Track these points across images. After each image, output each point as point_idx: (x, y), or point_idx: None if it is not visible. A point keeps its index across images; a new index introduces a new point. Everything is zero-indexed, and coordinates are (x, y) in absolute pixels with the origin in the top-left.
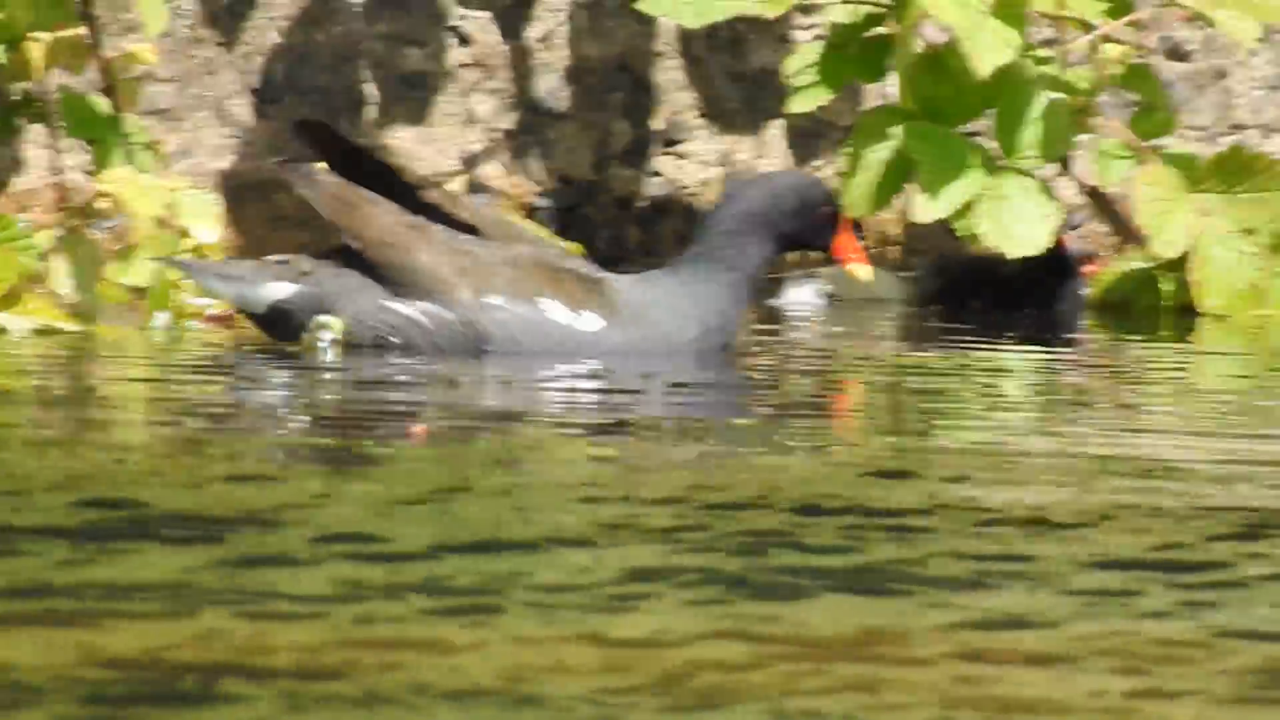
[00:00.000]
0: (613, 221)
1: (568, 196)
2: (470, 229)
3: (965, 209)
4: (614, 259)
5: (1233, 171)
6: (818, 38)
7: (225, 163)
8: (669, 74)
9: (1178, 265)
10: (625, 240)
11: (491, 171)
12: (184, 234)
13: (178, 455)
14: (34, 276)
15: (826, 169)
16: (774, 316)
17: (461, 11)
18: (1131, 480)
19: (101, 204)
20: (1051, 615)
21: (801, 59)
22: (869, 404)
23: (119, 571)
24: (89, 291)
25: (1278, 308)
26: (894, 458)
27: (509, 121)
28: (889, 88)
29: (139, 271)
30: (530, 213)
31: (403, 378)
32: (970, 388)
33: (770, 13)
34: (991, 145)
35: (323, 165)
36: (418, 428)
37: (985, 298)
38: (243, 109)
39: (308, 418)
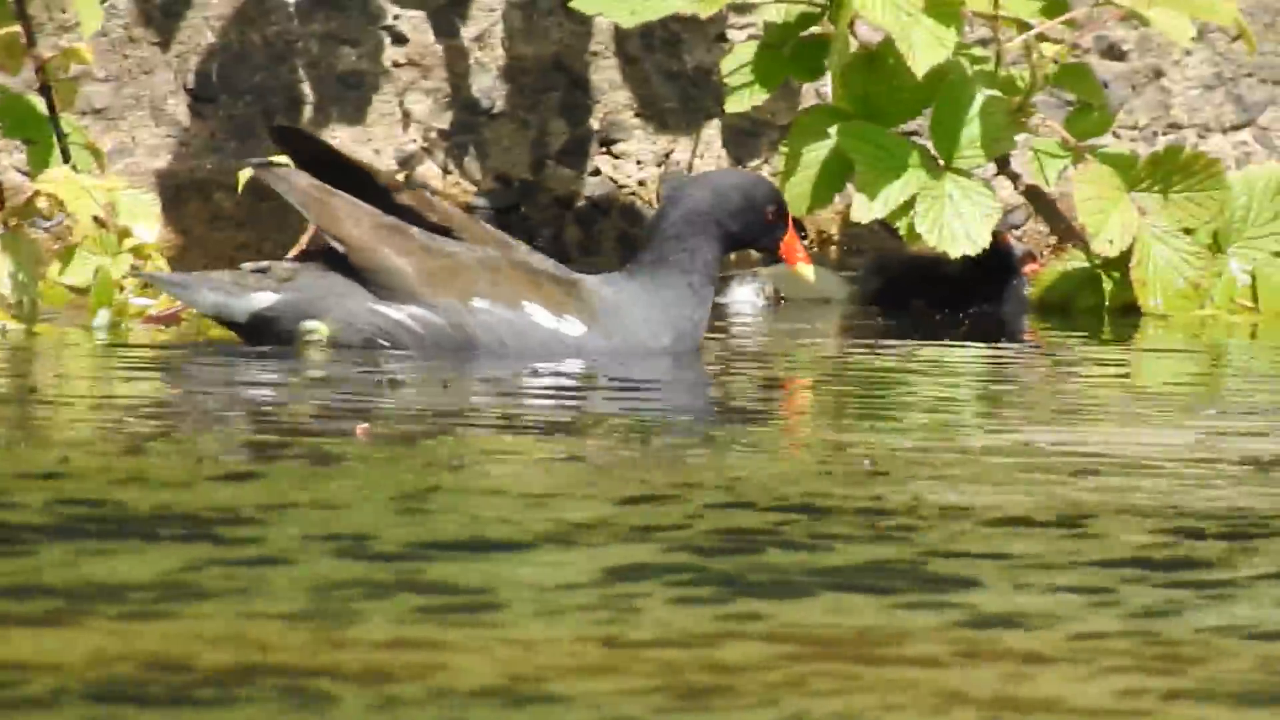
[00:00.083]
0: (552, 221)
1: (506, 196)
2: (443, 230)
3: (904, 208)
4: (554, 259)
5: (1170, 171)
6: (753, 37)
7: (162, 162)
8: (605, 73)
9: (1118, 264)
10: (564, 240)
11: (428, 171)
12: (123, 233)
13: (138, 455)
14: None
15: (764, 168)
16: (717, 316)
17: (396, 11)
18: (1099, 479)
19: (40, 203)
20: (1047, 614)
21: (737, 58)
22: (825, 404)
23: (98, 571)
24: (31, 291)
25: (1219, 307)
26: (862, 457)
27: (445, 121)
28: (825, 87)
29: (80, 271)
30: (468, 213)
31: (371, 377)
32: (923, 388)
33: (704, 12)
34: (929, 144)
35: (291, 166)
36: (362, 427)
37: (927, 297)
38: (179, 108)
39: (271, 416)
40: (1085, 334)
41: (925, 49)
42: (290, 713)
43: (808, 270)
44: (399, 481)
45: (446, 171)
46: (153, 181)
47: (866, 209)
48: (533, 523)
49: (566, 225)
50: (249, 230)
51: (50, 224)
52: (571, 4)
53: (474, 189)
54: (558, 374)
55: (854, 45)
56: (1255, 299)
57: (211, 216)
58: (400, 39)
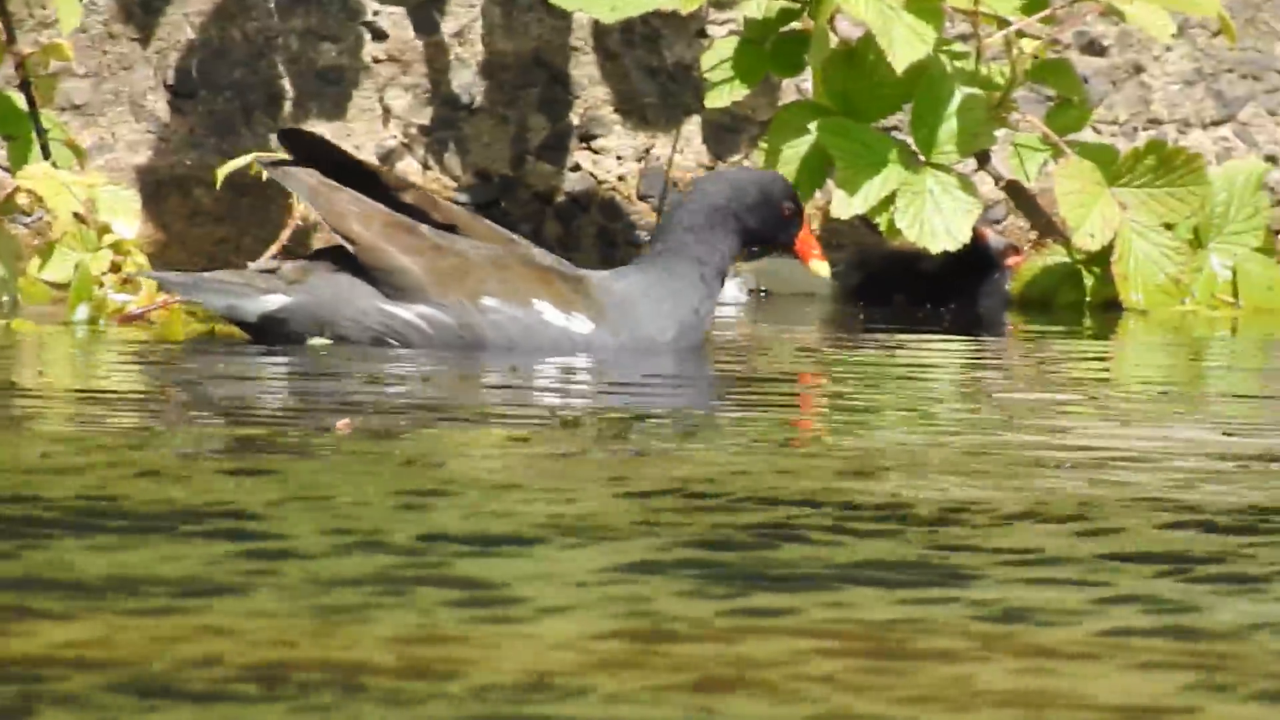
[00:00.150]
0: (532, 217)
1: (486, 192)
2: (448, 229)
3: (884, 204)
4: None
5: (1151, 166)
6: (733, 33)
7: (142, 158)
8: (585, 69)
9: (1099, 259)
10: (544, 235)
11: (408, 167)
12: (103, 229)
13: (134, 449)
14: None
15: (744, 164)
16: None
17: (375, 7)
18: (1102, 474)
19: (20, 199)
20: (1069, 609)
21: (717, 54)
22: (821, 400)
23: (108, 565)
24: (10, 287)
25: (1200, 302)
26: (858, 454)
27: (425, 117)
28: (805, 82)
29: (59, 267)
30: None
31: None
32: (915, 383)
33: (684, 8)
34: (909, 140)
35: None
36: (343, 422)
37: (907, 292)
38: (159, 104)
39: (268, 412)
40: (1066, 329)
41: (905, 45)
42: (319, 710)
43: (822, 267)
44: (403, 477)
45: (426, 167)
46: (132, 177)
47: (846, 205)
48: (544, 517)
49: (546, 221)
50: (229, 226)
51: (30, 220)
52: (552, 0)
53: (454, 185)
54: (561, 370)
55: (834, 41)
56: (1236, 294)
57: (191, 212)
58: (380, 35)
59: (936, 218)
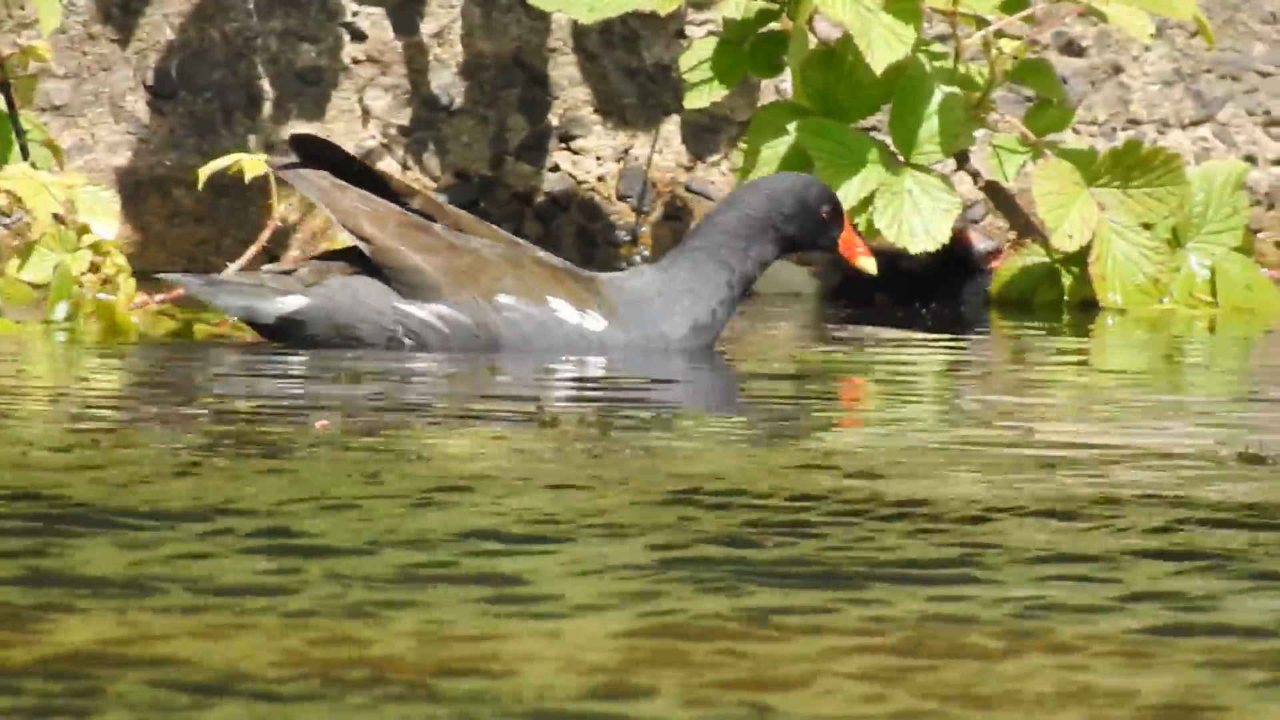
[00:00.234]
0: (511, 217)
1: (465, 192)
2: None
3: (863, 204)
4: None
5: (1130, 166)
6: (712, 33)
7: (122, 159)
8: (564, 70)
9: (1078, 259)
10: (524, 235)
11: (388, 168)
12: (82, 230)
13: (128, 448)
14: None
15: (723, 164)
16: None
17: (355, 7)
18: (1110, 471)
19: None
20: (1093, 606)
21: (696, 55)
22: (817, 400)
23: (69, 565)
24: None
25: (1178, 302)
26: (867, 452)
27: (404, 117)
28: (784, 83)
29: (39, 267)
30: None
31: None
32: (909, 384)
33: (663, 9)
34: (888, 141)
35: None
36: (321, 422)
37: (889, 291)
38: (138, 105)
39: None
40: (1046, 328)
41: (884, 45)
42: (358, 710)
43: (869, 263)
44: (414, 475)
45: (406, 168)
46: (112, 178)
47: None
48: (570, 515)
49: (526, 221)
50: (208, 226)
51: (9, 220)
52: (531, 0)
53: (433, 185)
54: (575, 368)
55: (813, 41)
56: (1214, 293)
57: (171, 213)
58: (359, 35)
59: (915, 218)
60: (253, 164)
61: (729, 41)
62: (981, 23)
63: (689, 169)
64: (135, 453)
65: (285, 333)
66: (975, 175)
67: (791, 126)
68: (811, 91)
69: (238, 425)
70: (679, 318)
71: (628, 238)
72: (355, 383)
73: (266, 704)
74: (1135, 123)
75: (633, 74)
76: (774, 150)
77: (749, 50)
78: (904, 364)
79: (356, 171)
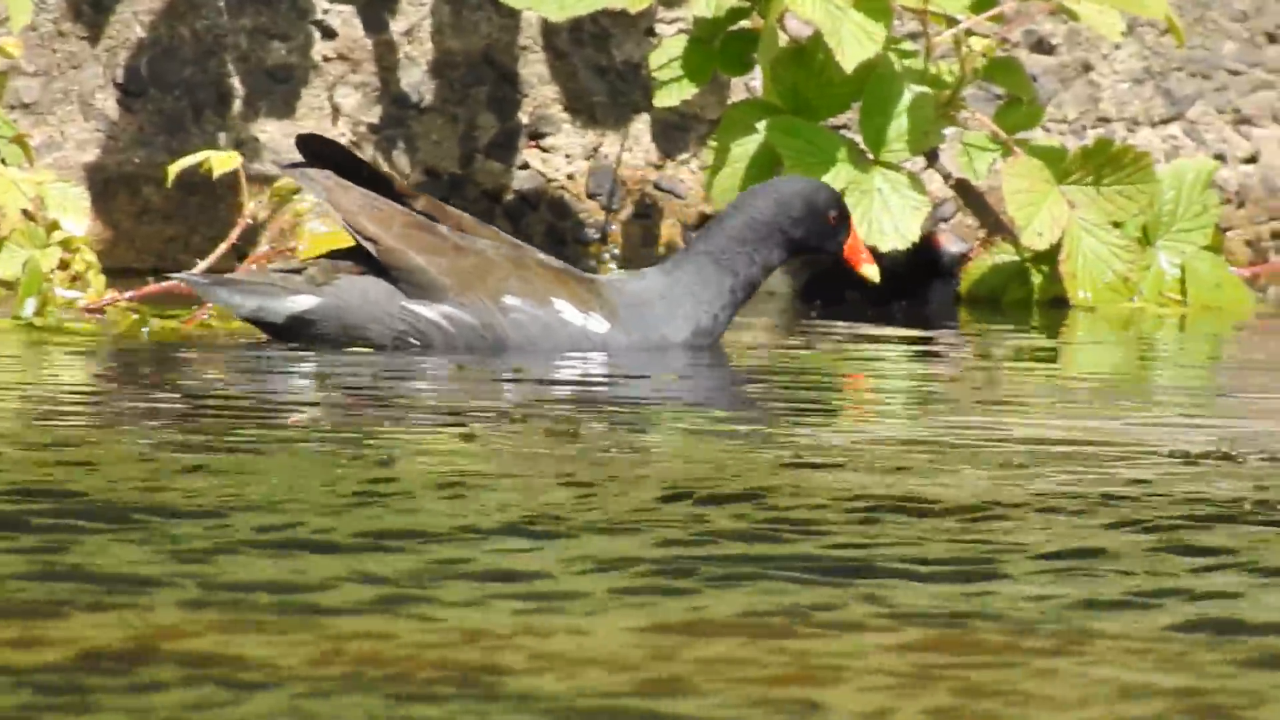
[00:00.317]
0: (481, 214)
1: (435, 190)
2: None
3: None
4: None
5: (1100, 164)
6: (682, 31)
7: (91, 156)
8: (533, 67)
9: (1047, 257)
10: None
11: None
12: (52, 226)
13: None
14: None
15: (693, 162)
16: None
17: (325, 5)
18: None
19: None
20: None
21: (666, 53)
22: (810, 397)
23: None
24: None
25: (1147, 300)
26: (865, 449)
27: (374, 115)
28: (754, 81)
29: (8, 264)
30: None
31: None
32: (875, 380)
33: (633, 7)
34: (858, 139)
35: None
36: (295, 418)
37: (859, 290)
38: (108, 102)
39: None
40: (1017, 327)
41: (854, 43)
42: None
43: (873, 271)
44: (417, 473)
45: (375, 165)
46: (81, 175)
47: None
48: (578, 512)
49: (496, 219)
50: (178, 224)
51: None
52: None
53: (403, 182)
54: (579, 368)
55: (783, 39)
56: (1183, 292)
57: (140, 210)
58: (329, 33)
59: (885, 216)
60: (222, 161)
61: (699, 39)
62: (952, 21)
63: (659, 167)
64: (134, 450)
65: (295, 332)
66: (945, 173)
67: (761, 124)
68: (782, 89)
69: (238, 425)
70: (680, 321)
71: (597, 236)
72: (358, 381)
73: (302, 700)
74: (1105, 121)
75: (603, 72)
76: (744, 148)
77: (719, 48)
78: (884, 360)
79: (360, 173)
